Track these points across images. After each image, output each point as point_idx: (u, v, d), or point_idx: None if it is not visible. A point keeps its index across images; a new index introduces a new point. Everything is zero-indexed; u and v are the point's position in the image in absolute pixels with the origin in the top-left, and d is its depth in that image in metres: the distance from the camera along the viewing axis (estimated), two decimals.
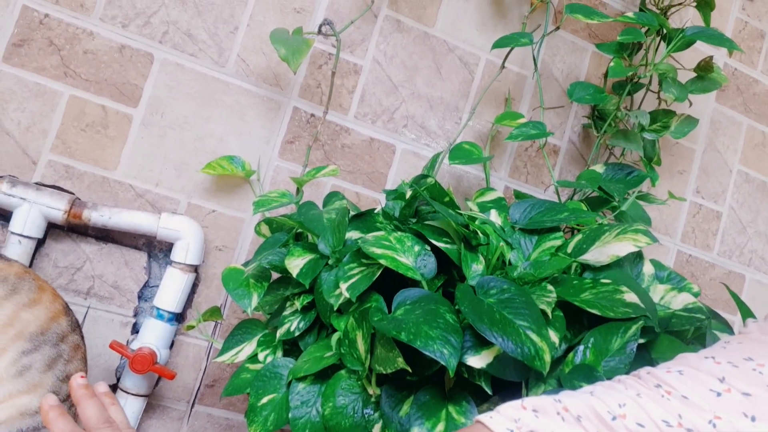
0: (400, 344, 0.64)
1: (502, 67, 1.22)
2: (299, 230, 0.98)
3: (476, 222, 0.81)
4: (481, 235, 0.81)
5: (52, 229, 1.05)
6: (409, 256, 0.75)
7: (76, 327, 0.90)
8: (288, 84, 1.18)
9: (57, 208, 1.00)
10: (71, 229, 1.06)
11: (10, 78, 1.03)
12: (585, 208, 0.96)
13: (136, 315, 1.11)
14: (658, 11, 1.25)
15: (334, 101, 1.20)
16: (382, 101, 1.24)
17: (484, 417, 0.48)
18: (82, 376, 0.65)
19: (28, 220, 0.99)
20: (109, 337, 1.06)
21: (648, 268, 0.84)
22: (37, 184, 1.03)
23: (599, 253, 0.77)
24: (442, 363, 0.57)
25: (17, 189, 0.99)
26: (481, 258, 0.77)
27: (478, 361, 0.61)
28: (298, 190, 1.08)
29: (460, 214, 0.82)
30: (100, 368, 1.08)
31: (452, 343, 0.59)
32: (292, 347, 0.86)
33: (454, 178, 1.28)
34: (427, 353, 0.57)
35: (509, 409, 0.49)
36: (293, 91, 1.18)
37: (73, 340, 0.88)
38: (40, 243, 1.03)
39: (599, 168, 1.15)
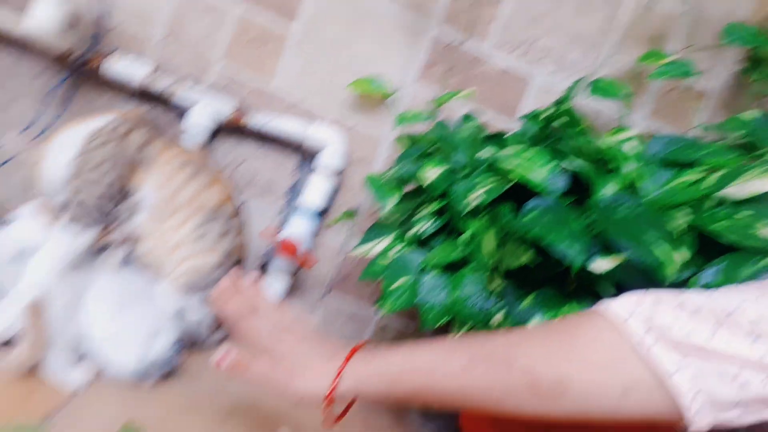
0: (528, 246, 0.71)
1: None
2: (433, 147, 1.05)
3: (611, 148, 0.84)
4: (615, 162, 0.84)
5: (219, 129, 1.21)
6: (541, 173, 0.80)
7: (240, 212, 1.06)
8: (431, 10, 1.23)
9: (225, 109, 1.16)
10: (234, 130, 1.22)
11: None
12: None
13: (284, 211, 1.27)
14: None
15: (474, 29, 1.23)
16: (522, 32, 1.26)
17: (604, 301, 0.54)
18: (235, 271, 0.76)
19: (201, 118, 1.15)
20: (260, 228, 1.22)
21: None
22: (209, 88, 1.19)
23: (739, 189, 0.77)
24: (568, 261, 0.63)
25: (194, 91, 1.16)
26: (614, 183, 0.80)
27: (602, 265, 0.66)
28: (433, 111, 1.15)
29: (595, 141, 0.85)
30: (251, 253, 1.25)
31: (579, 244, 0.64)
32: (420, 247, 0.95)
33: (590, 115, 1.28)
34: (554, 251, 0.64)
35: (630, 296, 0.53)
36: (436, 17, 1.23)
37: (237, 221, 1.04)
38: (208, 139, 1.20)
39: (749, 115, 1.11)
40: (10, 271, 0.83)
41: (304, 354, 0.60)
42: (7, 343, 0.73)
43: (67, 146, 0.91)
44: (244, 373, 0.60)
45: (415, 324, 1.31)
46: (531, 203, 0.74)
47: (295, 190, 1.26)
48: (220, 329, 1.02)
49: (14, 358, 0.70)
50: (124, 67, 1.13)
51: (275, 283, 1.22)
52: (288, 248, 1.15)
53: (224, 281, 0.71)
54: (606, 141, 0.96)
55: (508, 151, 0.83)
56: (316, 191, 1.21)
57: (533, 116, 0.93)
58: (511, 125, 1.27)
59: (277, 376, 0.59)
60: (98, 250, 0.91)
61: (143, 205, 0.93)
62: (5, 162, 1.09)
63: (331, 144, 1.19)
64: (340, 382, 0.57)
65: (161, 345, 0.85)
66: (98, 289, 0.85)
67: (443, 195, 0.93)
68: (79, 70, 1.14)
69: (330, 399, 0.57)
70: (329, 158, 1.20)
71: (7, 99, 1.18)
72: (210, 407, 0.80)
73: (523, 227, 0.68)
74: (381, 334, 1.31)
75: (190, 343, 0.96)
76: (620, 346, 0.49)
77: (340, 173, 1.24)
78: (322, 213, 1.24)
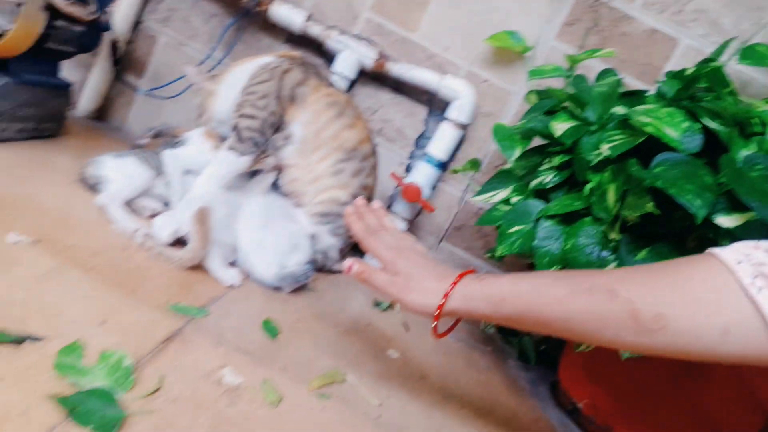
0: (650, 198, 0.72)
1: None
2: (565, 103, 1.06)
3: (760, 111, 0.80)
4: (757, 127, 0.80)
5: (361, 75, 1.30)
6: (676, 130, 0.79)
7: (374, 152, 1.14)
8: None
9: (369, 57, 1.24)
10: (374, 77, 1.30)
11: None
12: None
13: (410, 158, 1.34)
14: None
15: None
16: None
17: (716, 249, 0.53)
18: (362, 198, 0.84)
19: (347, 64, 1.24)
20: (388, 171, 1.31)
21: None
22: (356, 35, 1.28)
23: None
24: (692, 212, 0.64)
25: (343, 37, 1.25)
26: (754, 146, 0.78)
27: (728, 221, 0.66)
28: (569, 68, 1.15)
29: (741, 102, 0.82)
30: (378, 194, 1.34)
31: (705, 198, 0.64)
32: (540, 199, 0.98)
33: (739, 83, 1.21)
34: (679, 201, 0.64)
35: (742, 245, 0.52)
36: None
37: (372, 161, 1.13)
38: (351, 84, 1.30)
39: None
40: (182, 181, 0.99)
41: (419, 272, 0.65)
42: (180, 242, 0.87)
43: (236, 80, 1.04)
44: (367, 281, 0.67)
45: None
46: (662, 156, 0.74)
47: (423, 139, 1.33)
48: (343, 259, 1.13)
49: (185, 253, 0.84)
50: (285, 12, 1.25)
51: (397, 224, 1.31)
52: (412, 192, 1.22)
53: (353, 205, 0.81)
54: (754, 104, 0.91)
55: (645, 107, 0.83)
56: (442, 141, 1.26)
57: (677, 74, 0.90)
58: (648, 88, 1.23)
59: (393, 288, 0.65)
60: (252, 174, 1.04)
61: (293, 138, 1.05)
62: (184, 91, 1.26)
63: (462, 96, 1.24)
64: (449, 300, 0.61)
65: (296, 260, 0.96)
66: (249, 207, 0.98)
67: (569, 149, 0.94)
68: (248, 14, 1.28)
69: (438, 314, 0.62)
70: (459, 110, 1.24)
71: (188, 36, 1.36)
72: (332, 321, 0.91)
73: (652, 177, 0.69)
74: None
75: (318, 266, 1.07)
76: (727, 287, 0.49)
77: (468, 125, 1.28)
78: (446, 163, 1.30)
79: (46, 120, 1.04)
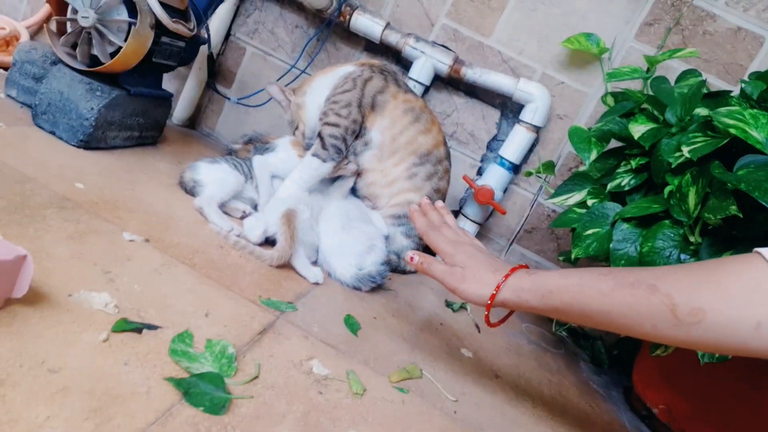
0: (733, 201, 0.71)
1: None
2: (643, 105, 1.05)
3: None
4: None
5: (435, 80, 1.33)
6: (761, 132, 0.77)
7: (448, 156, 1.17)
8: None
9: (444, 62, 1.27)
10: (449, 82, 1.33)
11: None
12: None
13: (482, 161, 1.36)
14: None
15: None
16: None
17: (763, 248, 0.53)
18: (427, 198, 0.88)
19: (423, 69, 1.28)
20: (460, 173, 1.33)
21: None
22: (432, 42, 1.31)
23: None
24: None
25: (419, 44, 1.29)
26: None
27: None
28: (648, 69, 1.13)
29: None
30: (449, 196, 1.37)
31: None
32: (616, 202, 0.98)
33: None
34: (764, 203, 0.63)
35: None
36: None
37: (445, 165, 1.16)
38: (425, 90, 1.33)
39: None
40: (270, 186, 1.06)
41: (474, 264, 0.70)
42: (268, 241, 0.94)
43: (320, 90, 1.10)
44: (426, 271, 0.73)
45: None
46: (745, 159, 0.73)
47: (495, 141, 1.34)
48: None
49: (274, 252, 0.90)
50: (365, 22, 1.30)
51: (465, 228, 1.33)
52: (484, 195, 1.24)
53: (418, 203, 0.86)
54: None
55: (729, 108, 0.81)
56: (515, 144, 1.27)
57: (762, 75, 0.88)
58: (731, 89, 1.19)
59: (450, 278, 0.70)
60: (334, 178, 1.10)
61: (371, 143, 1.10)
62: (268, 100, 1.34)
63: (536, 99, 1.24)
64: (500, 292, 0.66)
65: (372, 261, 1.01)
66: (329, 210, 1.04)
67: (647, 152, 0.93)
68: (329, 24, 1.34)
69: (490, 304, 0.66)
70: (533, 113, 1.25)
71: (273, 47, 1.44)
72: (407, 319, 0.95)
73: (736, 180, 0.69)
74: None
75: (392, 267, 1.12)
76: (765, 283, 0.50)
77: (540, 129, 1.29)
78: (519, 165, 1.31)
79: (150, 128, 1.14)
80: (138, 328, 0.59)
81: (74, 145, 0.97)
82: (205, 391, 0.54)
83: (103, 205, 0.82)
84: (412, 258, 0.75)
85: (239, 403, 0.55)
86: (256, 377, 0.60)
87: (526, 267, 0.69)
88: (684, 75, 1.03)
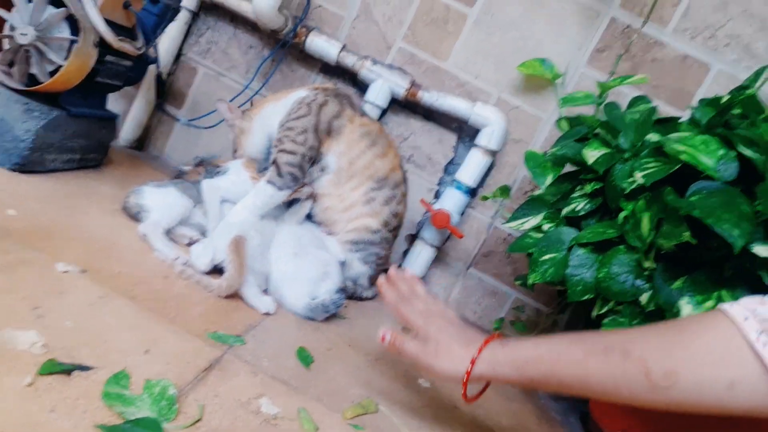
0: (686, 228, 0.71)
1: None
2: (594, 130, 1.06)
3: None
4: None
5: (393, 103, 1.32)
6: (711, 158, 0.78)
7: (405, 180, 1.16)
8: None
9: (401, 85, 1.26)
10: (406, 105, 1.33)
11: None
12: None
13: (439, 184, 1.35)
14: None
15: (654, 13, 1.20)
16: (707, 17, 1.20)
17: (725, 304, 0.54)
18: (394, 269, 0.84)
19: (380, 93, 1.27)
20: (417, 197, 1.32)
21: None
22: (389, 65, 1.31)
23: None
24: (730, 241, 0.63)
25: (376, 67, 1.28)
26: None
27: (765, 250, 0.65)
28: (600, 95, 1.15)
29: None
30: (407, 220, 1.35)
31: (743, 227, 0.64)
32: (572, 226, 0.98)
33: None
34: (716, 230, 0.64)
35: (750, 300, 0.53)
36: (614, 1, 1.22)
37: (402, 189, 1.14)
38: (382, 112, 1.32)
39: None
40: (220, 211, 1.02)
41: (447, 338, 0.68)
42: (217, 270, 0.90)
43: (270, 116, 1.07)
44: (399, 350, 0.71)
45: (551, 307, 1.33)
46: (697, 185, 0.74)
47: (452, 165, 1.34)
48: (373, 287, 1.14)
49: (222, 281, 0.86)
50: (320, 44, 1.29)
51: (423, 252, 1.31)
52: (441, 219, 1.23)
53: (387, 274, 0.83)
54: None
55: (679, 134, 0.82)
56: (472, 168, 1.27)
57: (711, 102, 0.90)
58: (680, 114, 1.22)
59: (424, 357, 0.68)
60: (288, 203, 1.06)
61: (328, 168, 1.07)
62: (220, 122, 1.30)
63: (492, 123, 1.25)
64: (476, 366, 0.65)
65: (327, 288, 0.97)
66: (281, 236, 1.00)
67: (601, 177, 0.94)
68: (285, 45, 1.32)
69: (466, 380, 0.65)
70: (489, 137, 1.25)
71: (226, 67, 1.40)
72: (363, 349, 0.91)
73: (688, 206, 0.69)
74: (515, 313, 1.35)
75: (349, 294, 1.09)
76: (733, 342, 0.50)
77: (496, 153, 1.29)
78: (475, 189, 1.31)
79: (93, 150, 1.09)
80: (67, 370, 0.54)
81: (9, 169, 0.91)
82: None
83: (37, 233, 0.77)
84: (383, 337, 0.72)
85: None
86: (199, 420, 0.56)
87: (500, 335, 0.68)
88: (635, 101, 1.05)
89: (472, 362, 0.64)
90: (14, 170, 0.92)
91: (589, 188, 0.95)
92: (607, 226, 0.86)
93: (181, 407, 0.56)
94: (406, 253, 1.36)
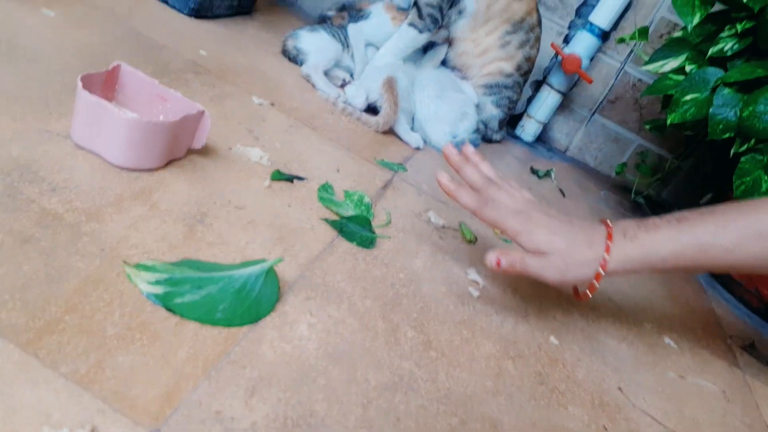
0: None
1: None
2: None
3: None
4: None
5: None
6: None
7: (540, 23, 1.16)
8: None
9: None
10: None
11: None
12: None
13: (570, 27, 1.34)
14: None
15: None
16: None
17: None
18: (450, 145, 0.69)
19: None
20: (547, 41, 1.32)
21: None
22: None
23: None
24: None
25: None
26: None
27: None
28: None
29: None
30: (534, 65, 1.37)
31: None
32: (717, 66, 0.97)
33: None
34: None
35: None
36: None
37: (537, 32, 1.15)
38: None
39: None
40: (365, 54, 1.09)
41: (564, 245, 0.59)
42: (370, 109, 1.00)
43: None
44: (523, 271, 0.59)
45: (676, 153, 1.33)
46: None
47: (585, 8, 1.31)
48: (501, 131, 1.21)
49: (380, 118, 0.96)
50: None
51: (549, 98, 1.34)
52: (572, 63, 1.24)
53: (445, 158, 0.69)
54: None
55: None
56: (607, 9, 1.24)
57: None
58: None
59: (550, 272, 0.59)
60: (425, 47, 1.11)
61: (466, 12, 1.10)
62: None
63: None
64: (606, 268, 0.58)
65: (465, 128, 1.06)
66: (423, 79, 1.07)
67: (755, 15, 0.91)
68: None
69: (594, 285, 0.59)
70: None
71: None
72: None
73: None
74: (638, 158, 1.37)
75: (480, 136, 1.16)
76: None
77: None
78: (608, 32, 1.28)
79: None
80: (290, 179, 0.67)
81: (186, 14, 1.02)
82: (354, 230, 0.63)
83: (227, 71, 0.89)
84: (499, 261, 0.58)
85: (381, 241, 0.64)
86: (389, 222, 0.69)
87: (610, 226, 0.60)
88: None
89: (603, 265, 0.58)
90: (190, 15, 1.02)
91: (740, 27, 0.93)
92: (756, 66, 0.85)
93: (374, 212, 0.69)
94: (530, 100, 1.39)
